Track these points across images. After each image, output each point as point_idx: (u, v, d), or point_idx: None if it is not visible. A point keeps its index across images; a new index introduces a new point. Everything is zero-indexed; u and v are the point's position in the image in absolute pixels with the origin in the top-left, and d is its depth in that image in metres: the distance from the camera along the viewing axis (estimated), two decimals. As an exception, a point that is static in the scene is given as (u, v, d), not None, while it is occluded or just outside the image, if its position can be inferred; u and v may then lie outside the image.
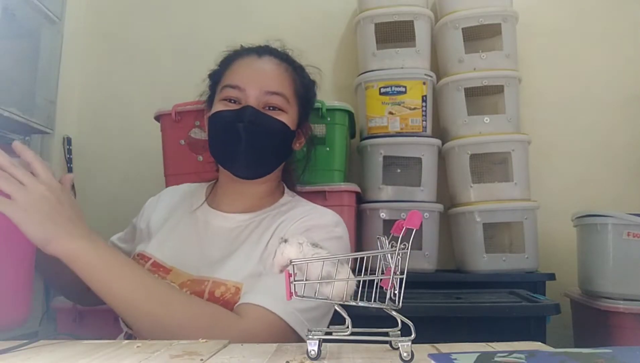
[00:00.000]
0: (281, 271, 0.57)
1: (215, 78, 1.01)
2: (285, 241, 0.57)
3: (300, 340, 0.78)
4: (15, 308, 0.72)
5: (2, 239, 0.69)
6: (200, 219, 0.98)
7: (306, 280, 0.57)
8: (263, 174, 0.97)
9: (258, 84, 0.93)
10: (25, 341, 0.63)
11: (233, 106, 0.93)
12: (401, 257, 0.55)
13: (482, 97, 1.94)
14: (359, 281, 0.57)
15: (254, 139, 0.91)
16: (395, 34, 1.94)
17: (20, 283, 0.73)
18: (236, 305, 0.81)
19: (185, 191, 1.09)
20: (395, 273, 0.56)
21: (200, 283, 0.86)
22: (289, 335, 0.78)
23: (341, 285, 0.56)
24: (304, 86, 1.02)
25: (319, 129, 1.66)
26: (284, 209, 0.97)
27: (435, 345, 0.61)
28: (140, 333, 0.76)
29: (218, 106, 0.95)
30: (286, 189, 1.06)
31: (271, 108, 0.94)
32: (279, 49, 1.03)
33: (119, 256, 0.77)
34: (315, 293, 0.57)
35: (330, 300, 0.57)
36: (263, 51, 1.00)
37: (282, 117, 0.95)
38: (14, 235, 0.69)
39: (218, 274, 0.86)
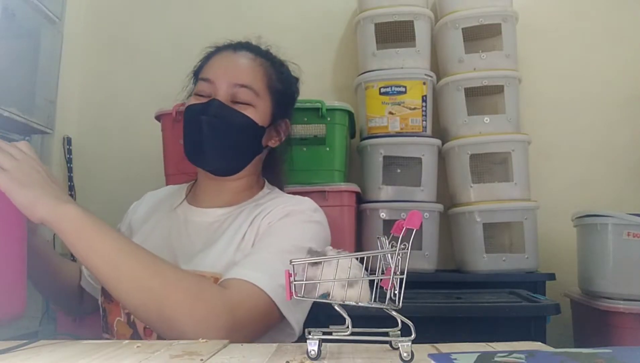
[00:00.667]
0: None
1: (196, 73, 1.03)
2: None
3: (281, 317, 0.81)
4: (10, 303, 0.72)
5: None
6: (180, 217, 0.99)
7: (306, 280, 0.57)
8: (231, 169, 0.97)
9: (227, 78, 0.94)
10: (25, 341, 0.63)
11: (203, 100, 0.94)
12: (401, 257, 0.56)
13: (482, 97, 1.94)
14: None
15: (215, 133, 0.91)
16: (395, 34, 1.94)
17: (15, 277, 0.73)
18: (221, 279, 0.82)
19: (166, 192, 1.12)
20: (395, 273, 0.56)
21: None
22: (272, 311, 0.80)
23: (365, 289, 0.57)
24: (281, 81, 1.01)
25: (319, 129, 1.66)
26: (262, 202, 0.98)
27: (435, 345, 0.61)
28: (124, 299, 0.74)
29: (190, 100, 0.98)
30: (266, 184, 1.06)
31: (240, 103, 0.94)
32: (259, 45, 1.03)
33: (103, 221, 0.76)
34: (316, 293, 0.57)
35: (330, 300, 0.57)
36: (240, 46, 1.01)
37: (249, 112, 0.94)
38: (7, 230, 0.70)
39: (197, 266, 0.87)
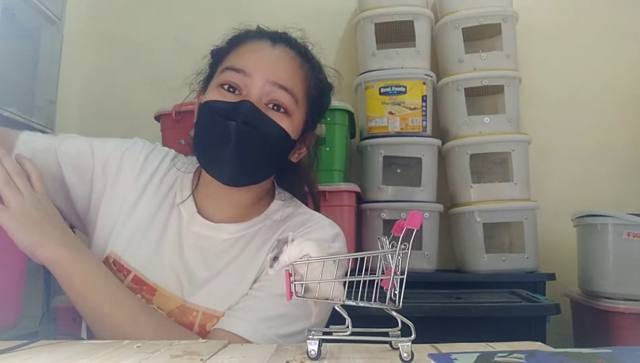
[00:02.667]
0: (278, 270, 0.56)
1: (218, 57, 0.85)
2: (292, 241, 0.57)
3: None
4: (6, 311, 0.73)
5: None
6: (184, 222, 0.84)
7: (306, 280, 0.57)
8: (247, 184, 0.82)
9: (265, 73, 0.78)
10: (25, 341, 0.63)
11: (230, 97, 0.78)
12: (401, 257, 0.55)
13: (482, 97, 1.94)
14: (357, 281, 0.57)
15: (242, 144, 0.76)
16: (395, 34, 1.94)
17: (12, 287, 0.74)
18: (213, 328, 0.77)
19: (165, 169, 0.90)
20: (395, 273, 0.56)
21: (189, 312, 0.79)
22: None
23: (329, 285, 0.56)
24: (317, 89, 0.86)
25: (318, 129, 1.66)
26: (279, 219, 0.85)
27: (435, 345, 0.61)
28: (102, 339, 0.74)
29: (213, 93, 0.80)
30: (276, 192, 0.90)
31: (275, 107, 0.79)
32: (298, 40, 0.88)
33: (96, 266, 0.76)
34: (316, 293, 0.57)
35: (331, 300, 0.57)
36: (279, 38, 0.85)
37: (284, 123, 0.79)
38: (5, 241, 0.70)
39: (207, 302, 0.79)
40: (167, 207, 0.86)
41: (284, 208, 0.87)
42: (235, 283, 0.80)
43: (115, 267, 0.82)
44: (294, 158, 0.88)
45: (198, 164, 0.87)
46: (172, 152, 0.95)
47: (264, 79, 0.78)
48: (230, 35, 0.87)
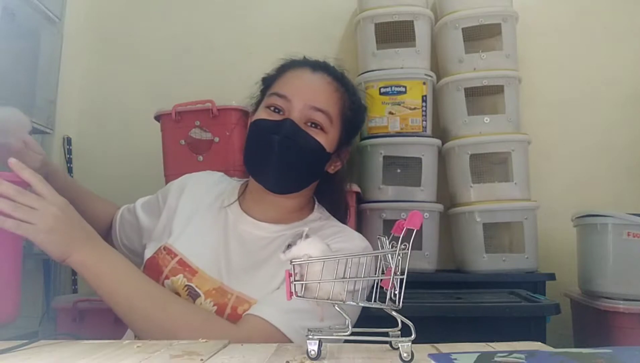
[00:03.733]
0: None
1: (267, 83, 0.99)
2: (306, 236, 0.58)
3: None
4: (4, 305, 0.73)
5: None
6: (230, 220, 0.96)
7: (306, 280, 0.57)
8: (290, 191, 0.94)
9: (304, 98, 0.91)
10: (25, 341, 0.63)
11: (275, 116, 0.92)
12: (401, 257, 0.55)
13: (482, 97, 1.94)
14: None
15: (284, 154, 0.89)
16: (395, 34, 1.94)
17: (8, 280, 0.74)
18: (246, 313, 0.82)
19: (213, 183, 1.05)
20: (395, 273, 0.56)
21: (224, 294, 0.86)
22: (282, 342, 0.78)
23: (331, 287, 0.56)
24: (352, 110, 0.98)
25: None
26: (314, 227, 0.94)
27: (435, 345, 0.61)
28: (138, 333, 0.80)
29: (261, 113, 0.94)
30: (316, 206, 1.02)
31: (313, 125, 0.91)
32: (336, 67, 1.01)
33: (121, 262, 0.82)
34: (316, 293, 0.57)
35: (331, 300, 0.57)
36: (318, 66, 0.98)
37: (320, 137, 0.91)
38: (2, 237, 0.71)
39: (243, 289, 0.86)
40: (215, 209, 0.98)
41: (320, 220, 0.99)
42: (270, 276, 0.86)
43: (164, 252, 0.92)
44: (331, 169, 1.00)
45: (245, 179, 1.04)
46: (220, 173, 1.11)
47: (302, 102, 0.91)
48: (278, 63, 1.00)
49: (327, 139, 0.92)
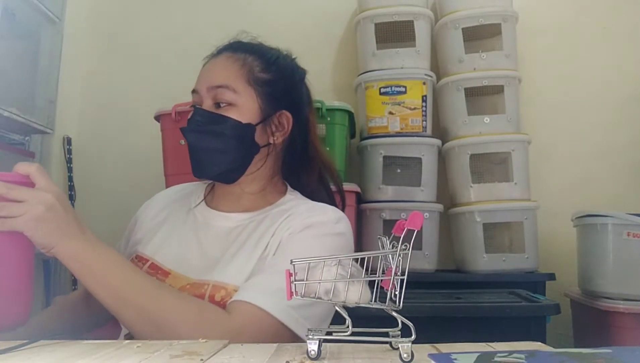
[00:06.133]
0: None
1: None
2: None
3: (295, 338, 0.77)
4: (17, 309, 0.73)
5: (5, 243, 0.71)
6: (200, 219, 0.96)
7: (306, 280, 0.57)
8: (231, 175, 0.93)
9: (205, 82, 0.92)
10: (25, 341, 0.63)
11: None
12: (402, 258, 0.55)
13: (482, 97, 1.94)
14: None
15: (202, 142, 0.91)
16: (395, 34, 1.94)
17: (22, 284, 0.74)
18: (228, 302, 0.81)
19: (181, 191, 1.07)
20: (396, 274, 0.56)
21: (200, 286, 0.85)
22: (282, 333, 0.77)
23: (356, 290, 0.56)
24: (269, 72, 0.94)
25: (319, 129, 1.66)
26: (285, 208, 0.94)
27: (435, 345, 0.61)
28: (130, 327, 0.79)
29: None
30: (289, 189, 1.01)
31: (222, 105, 0.91)
32: (246, 41, 0.98)
33: (111, 254, 0.79)
34: (316, 294, 0.57)
35: (331, 300, 0.57)
36: (223, 48, 0.97)
37: (231, 112, 0.90)
38: (16, 239, 0.71)
39: (219, 277, 0.86)
40: (184, 213, 0.99)
41: (291, 201, 0.97)
42: (244, 262, 0.87)
43: (136, 260, 0.94)
44: (274, 140, 0.95)
45: (207, 184, 1.04)
46: (189, 184, 1.10)
47: (205, 87, 0.92)
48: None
49: (239, 111, 0.90)
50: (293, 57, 1.02)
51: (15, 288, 0.73)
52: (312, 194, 1.01)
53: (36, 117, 1.73)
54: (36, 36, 1.77)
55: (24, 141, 1.80)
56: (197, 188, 1.05)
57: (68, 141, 2.05)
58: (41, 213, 0.72)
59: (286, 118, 0.96)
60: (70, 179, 2.03)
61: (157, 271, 0.90)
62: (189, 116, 0.93)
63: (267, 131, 0.94)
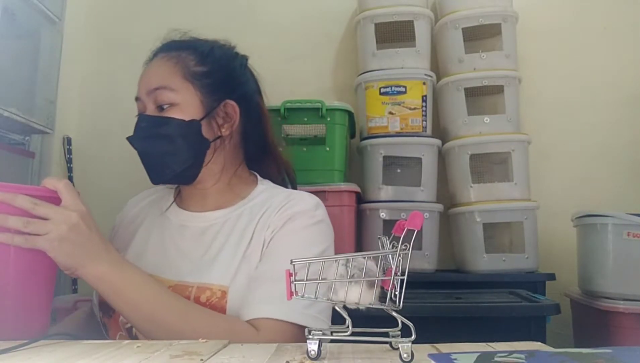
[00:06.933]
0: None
1: None
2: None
3: None
4: (39, 321, 0.75)
5: (32, 259, 0.72)
6: (174, 222, 0.95)
7: (307, 280, 0.57)
8: (189, 175, 0.91)
9: (144, 88, 0.92)
10: (25, 341, 0.63)
11: None
12: (402, 258, 0.55)
13: (482, 97, 1.94)
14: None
15: (146, 147, 0.90)
16: (395, 34, 1.94)
17: (44, 298, 0.76)
18: (249, 319, 0.80)
19: (149, 197, 1.06)
20: (396, 274, 0.56)
21: (184, 288, 0.85)
22: (302, 334, 0.77)
23: (365, 291, 0.56)
24: (204, 64, 0.92)
25: (319, 129, 1.66)
26: (261, 200, 0.93)
27: (435, 345, 0.61)
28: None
29: None
30: (259, 179, 0.99)
31: (164, 107, 0.90)
32: (177, 39, 0.97)
33: (137, 274, 0.80)
34: (316, 293, 0.57)
35: (330, 300, 0.57)
36: (157, 51, 0.97)
37: (173, 112, 0.88)
38: (42, 255, 0.72)
39: (202, 278, 0.85)
40: (156, 217, 0.99)
41: (266, 192, 0.96)
42: (228, 260, 0.86)
43: None
44: (222, 132, 0.93)
45: (174, 186, 1.03)
46: (158, 187, 1.08)
47: (144, 93, 0.92)
48: None
49: (181, 109, 0.89)
50: (232, 45, 1.00)
51: (38, 302, 0.74)
52: (279, 182, 1.02)
53: (36, 117, 1.73)
54: (36, 36, 1.77)
55: (24, 141, 1.80)
56: (166, 191, 1.04)
57: (68, 141, 2.05)
58: (64, 233, 0.71)
59: (232, 107, 0.93)
60: (70, 179, 2.03)
61: None
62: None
63: (214, 124, 0.92)
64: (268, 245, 0.87)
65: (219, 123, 0.92)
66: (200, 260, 0.88)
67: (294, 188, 1.05)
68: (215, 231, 0.91)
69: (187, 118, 0.89)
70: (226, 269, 0.85)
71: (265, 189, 0.97)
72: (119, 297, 0.77)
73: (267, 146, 1.01)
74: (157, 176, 0.92)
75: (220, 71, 0.94)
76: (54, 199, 0.74)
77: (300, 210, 0.89)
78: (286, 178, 1.06)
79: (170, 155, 0.89)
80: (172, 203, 0.99)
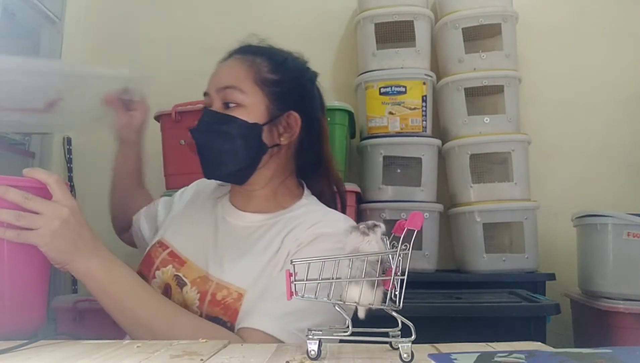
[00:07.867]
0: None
1: None
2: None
3: None
4: (35, 316, 0.75)
5: (26, 254, 0.72)
6: (220, 213, 0.98)
7: (307, 280, 0.57)
8: (240, 175, 0.93)
9: (214, 85, 0.93)
10: (25, 341, 0.63)
11: None
12: (402, 258, 0.55)
13: (482, 97, 1.94)
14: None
15: (206, 142, 0.92)
16: (395, 34, 1.94)
17: (39, 293, 0.76)
18: (238, 327, 0.80)
19: (215, 184, 1.08)
20: (396, 274, 0.56)
21: (207, 282, 0.86)
22: None
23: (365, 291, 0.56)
24: (276, 72, 0.94)
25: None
26: (298, 214, 0.93)
27: (435, 345, 0.61)
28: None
29: None
30: (305, 193, 1.00)
31: (230, 105, 0.91)
32: (255, 44, 0.99)
33: (126, 275, 0.80)
34: (320, 294, 0.57)
35: (330, 300, 0.57)
36: (233, 51, 0.98)
37: (239, 112, 0.90)
38: (34, 249, 0.72)
39: (223, 276, 0.86)
40: (211, 202, 1.02)
41: (305, 207, 0.96)
42: (251, 264, 0.86)
43: (157, 245, 0.96)
44: (281, 140, 0.94)
45: None
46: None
47: (214, 90, 0.92)
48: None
49: (247, 111, 0.90)
50: (305, 59, 1.01)
51: (33, 297, 0.74)
52: (329, 197, 1.02)
53: (36, 117, 1.73)
54: (36, 36, 1.77)
55: (24, 141, 1.80)
56: (220, 187, 1.07)
57: (68, 141, 2.05)
58: (56, 227, 0.72)
59: (294, 119, 0.94)
60: (70, 179, 2.03)
61: (174, 259, 0.92)
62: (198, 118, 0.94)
63: (275, 132, 0.93)
64: (292, 253, 0.87)
65: (280, 132, 0.94)
66: (229, 257, 0.89)
67: (344, 204, 1.05)
68: (247, 233, 0.92)
69: (250, 121, 0.90)
70: (248, 272, 0.85)
71: (306, 204, 0.97)
72: (105, 295, 0.77)
73: (322, 162, 1.02)
74: (211, 172, 0.94)
75: (290, 82, 0.96)
76: (41, 191, 0.73)
77: (328, 232, 0.87)
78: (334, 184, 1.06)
79: (227, 153, 0.91)
80: (227, 193, 1.01)
